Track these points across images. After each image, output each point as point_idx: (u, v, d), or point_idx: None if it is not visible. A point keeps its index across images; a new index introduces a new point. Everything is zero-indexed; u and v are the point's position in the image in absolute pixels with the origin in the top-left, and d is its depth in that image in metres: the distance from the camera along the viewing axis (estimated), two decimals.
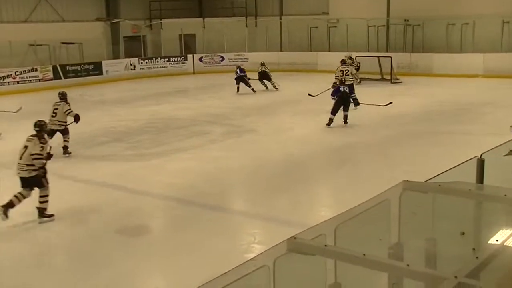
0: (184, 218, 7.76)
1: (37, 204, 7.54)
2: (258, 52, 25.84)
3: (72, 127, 10.97)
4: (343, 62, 15.75)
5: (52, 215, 7.58)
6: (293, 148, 11.35)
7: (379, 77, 21.15)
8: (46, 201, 7.56)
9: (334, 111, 12.89)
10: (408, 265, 2.55)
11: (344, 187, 8.84)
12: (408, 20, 23.31)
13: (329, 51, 25.07)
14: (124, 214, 7.90)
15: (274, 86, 19.26)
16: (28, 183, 7.48)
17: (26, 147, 7.54)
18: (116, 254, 6.61)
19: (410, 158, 10.21)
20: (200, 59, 26.77)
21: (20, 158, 7.50)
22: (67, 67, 22.92)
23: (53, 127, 10.64)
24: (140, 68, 25.51)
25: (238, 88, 18.84)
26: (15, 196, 7.45)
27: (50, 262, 6.76)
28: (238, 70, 19.05)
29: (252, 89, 18.77)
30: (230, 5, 27.93)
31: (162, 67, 26.04)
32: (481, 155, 4.26)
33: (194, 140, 12.36)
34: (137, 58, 25.64)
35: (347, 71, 15.17)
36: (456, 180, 3.60)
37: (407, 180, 3.49)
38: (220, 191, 8.95)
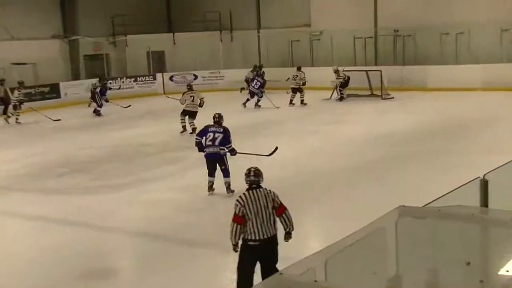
0: (156, 257, 7.64)
1: None
2: (235, 69, 25.98)
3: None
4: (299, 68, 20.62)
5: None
6: (275, 173, 11.31)
7: (368, 93, 21.36)
8: None
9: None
10: None
11: (333, 215, 8.82)
12: (397, 31, 23.62)
13: (312, 66, 25.30)
14: (87, 256, 7.75)
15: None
16: None
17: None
18: None
19: (405, 181, 10.25)
20: (171, 78, 26.77)
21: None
22: None
23: None
24: None
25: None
26: None
27: None
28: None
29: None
30: (203, 18, 27.96)
31: (129, 87, 25.99)
32: (484, 176, 4.26)
33: (167, 168, 12.28)
34: (99, 79, 25.54)
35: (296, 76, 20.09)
36: (457, 204, 3.60)
37: (403, 205, 3.47)
38: (198, 223, 8.86)
